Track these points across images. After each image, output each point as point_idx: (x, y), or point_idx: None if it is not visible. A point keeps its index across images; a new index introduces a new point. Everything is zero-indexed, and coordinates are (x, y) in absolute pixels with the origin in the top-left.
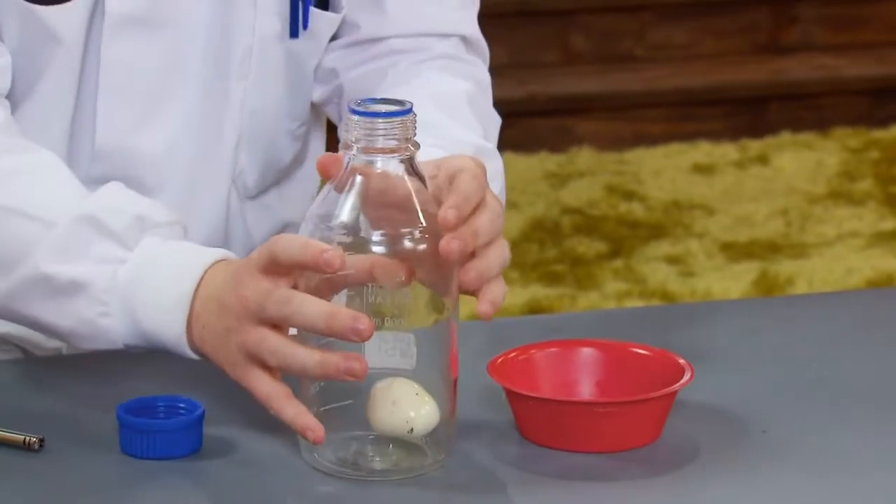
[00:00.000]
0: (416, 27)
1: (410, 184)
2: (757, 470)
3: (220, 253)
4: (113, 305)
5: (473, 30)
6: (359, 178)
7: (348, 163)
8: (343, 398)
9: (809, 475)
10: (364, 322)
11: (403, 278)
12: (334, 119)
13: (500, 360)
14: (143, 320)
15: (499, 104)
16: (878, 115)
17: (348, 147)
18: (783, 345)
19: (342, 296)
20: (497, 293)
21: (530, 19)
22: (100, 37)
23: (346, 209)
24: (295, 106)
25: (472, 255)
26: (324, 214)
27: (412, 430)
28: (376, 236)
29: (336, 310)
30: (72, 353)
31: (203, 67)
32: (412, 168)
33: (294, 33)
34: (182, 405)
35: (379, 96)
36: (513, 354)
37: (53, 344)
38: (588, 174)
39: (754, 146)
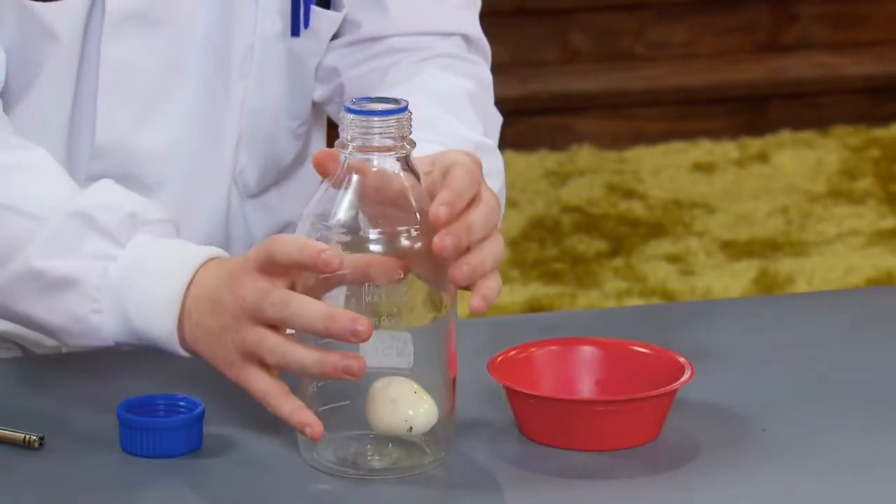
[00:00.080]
0: (418, 26)
1: (407, 181)
2: (756, 468)
3: (211, 251)
4: (104, 302)
5: (475, 29)
6: (355, 177)
7: (345, 161)
8: (342, 398)
9: (809, 473)
10: (363, 323)
11: (399, 275)
12: (335, 118)
13: (500, 358)
14: (135, 318)
15: (499, 102)
16: (879, 114)
17: (344, 146)
18: (783, 343)
19: (340, 295)
20: (491, 288)
21: (530, 18)
22: (98, 34)
23: (344, 208)
24: (296, 105)
25: (468, 249)
26: (321, 213)
27: (411, 428)
28: (374, 234)
29: (334, 312)
30: (72, 352)
31: (203, 65)
32: (408, 166)
33: (295, 32)
34: (182, 403)
35: (379, 95)
36: (513, 353)
37: (52, 342)
38: (588, 173)
39: (754, 144)
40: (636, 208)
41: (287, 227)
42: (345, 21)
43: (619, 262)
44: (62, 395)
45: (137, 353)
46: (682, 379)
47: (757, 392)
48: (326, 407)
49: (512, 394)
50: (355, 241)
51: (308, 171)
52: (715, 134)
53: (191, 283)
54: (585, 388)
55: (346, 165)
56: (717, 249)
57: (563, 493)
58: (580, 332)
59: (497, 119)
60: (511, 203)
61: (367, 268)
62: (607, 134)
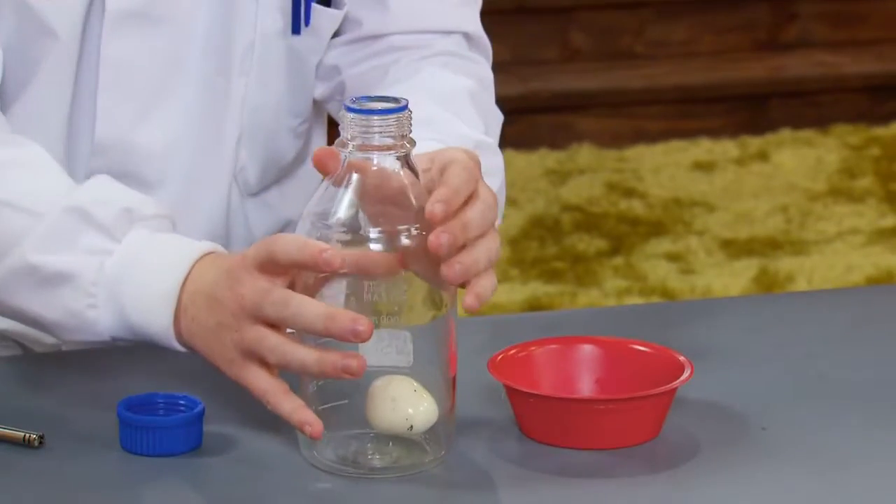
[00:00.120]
0: (418, 24)
1: (407, 180)
2: (756, 466)
3: (208, 246)
4: (100, 297)
5: (476, 27)
6: (355, 176)
7: (345, 160)
8: (342, 396)
9: (809, 472)
10: (363, 323)
11: (397, 270)
12: (336, 116)
13: (500, 356)
14: (131, 312)
15: (499, 101)
16: (879, 112)
17: (344, 145)
18: (783, 342)
19: (340, 294)
20: (485, 287)
21: (530, 16)
22: (97, 32)
23: (344, 206)
24: (297, 103)
25: (464, 247)
26: (321, 212)
27: (411, 427)
28: (374, 233)
29: (335, 312)
30: (71, 350)
31: (204, 63)
32: (408, 164)
33: (296, 30)
34: (182, 402)
35: (380, 93)
36: (513, 351)
37: (52, 340)
38: (588, 171)
39: (754, 143)
40: (636, 207)
41: (287, 225)
42: (346, 19)
43: (619, 260)
44: (62, 393)
45: (137, 352)
46: (682, 377)
47: (757, 391)
48: (326, 406)
49: (512, 392)
50: (355, 240)
51: (309, 170)
52: (715, 132)
53: (187, 278)
54: (585, 386)
55: (346, 164)
56: (717, 248)
57: (562, 491)
58: (580, 330)
59: (498, 117)
60: (511, 202)
61: (365, 261)
62: (607, 132)
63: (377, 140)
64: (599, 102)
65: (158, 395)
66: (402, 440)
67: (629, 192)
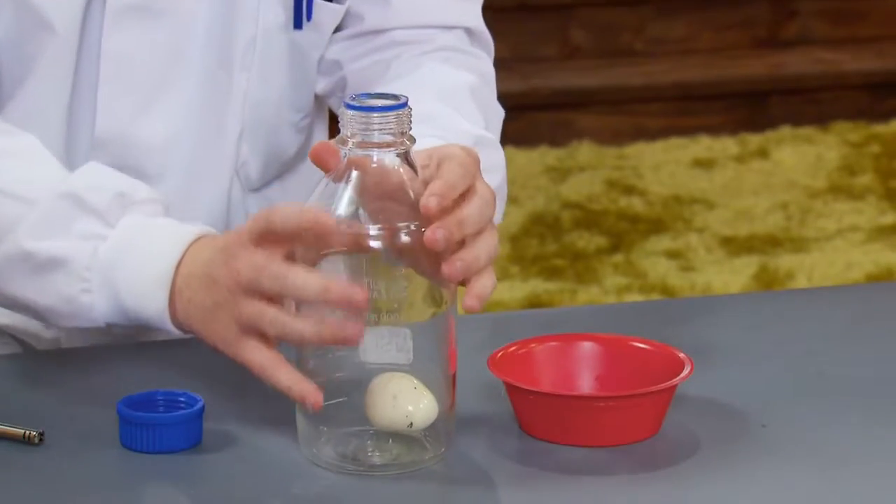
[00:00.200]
0: (420, 19)
1: (406, 177)
2: (756, 464)
3: (201, 229)
4: (94, 282)
5: (477, 22)
6: (355, 173)
7: (345, 157)
8: (342, 394)
9: (809, 469)
10: (359, 293)
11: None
12: (337, 111)
13: (499, 354)
14: (125, 298)
15: (499, 98)
16: (878, 110)
17: (344, 142)
18: (783, 339)
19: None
20: (485, 286)
21: (530, 13)
22: (98, 25)
23: (344, 203)
24: (298, 98)
25: (462, 243)
26: (321, 209)
27: (411, 424)
28: (373, 230)
29: (331, 282)
30: (71, 348)
31: (205, 57)
32: (408, 161)
33: (298, 24)
34: (182, 399)
35: (381, 88)
36: (513, 348)
37: (51, 334)
38: (588, 168)
39: (754, 140)
40: (636, 204)
41: None
42: (347, 14)
43: (618, 257)
44: (62, 390)
45: (137, 349)
46: (682, 375)
47: (757, 388)
48: (326, 403)
49: (512, 390)
50: (356, 239)
51: (310, 165)
52: (715, 130)
53: (181, 261)
54: (585, 383)
55: (346, 161)
56: (717, 245)
57: (562, 488)
58: (580, 327)
59: (499, 113)
60: (511, 199)
61: (362, 238)
62: (607, 130)
63: (377, 137)
64: (599, 100)
65: (158, 392)
66: (402, 437)
67: (629, 190)
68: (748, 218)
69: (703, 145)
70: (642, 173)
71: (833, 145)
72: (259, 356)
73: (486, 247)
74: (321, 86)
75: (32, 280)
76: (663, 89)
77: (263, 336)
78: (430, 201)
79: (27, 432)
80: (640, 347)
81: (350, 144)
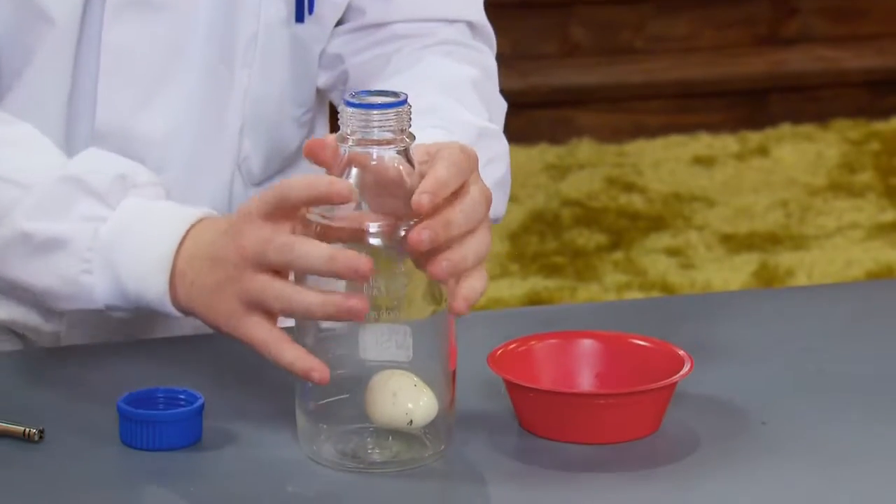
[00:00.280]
0: (422, 12)
1: (406, 174)
2: (756, 461)
3: (202, 211)
4: (95, 263)
5: (480, 16)
6: (355, 170)
7: (344, 154)
8: (342, 391)
9: (809, 466)
10: (364, 263)
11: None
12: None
13: (499, 351)
14: (126, 280)
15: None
16: (879, 107)
17: (344, 139)
18: (783, 336)
19: (340, 285)
20: (473, 288)
21: (531, 11)
22: (98, 18)
23: None
24: (300, 92)
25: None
26: (322, 206)
27: (411, 421)
28: (373, 227)
29: (336, 252)
30: (72, 345)
31: (206, 51)
32: (408, 159)
33: (300, 18)
34: (182, 396)
35: (383, 81)
36: (512, 346)
37: (51, 327)
38: (588, 166)
39: (754, 138)
40: (636, 202)
41: None
42: (349, 7)
43: (618, 255)
44: (62, 388)
45: (137, 347)
46: (682, 372)
47: (757, 385)
48: (326, 400)
49: (512, 387)
50: (355, 234)
51: None
52: (715, 127)
53: (182, 243)
54: (585, 381)
55: (345, 158)
56: (717, 243)
57: (562, 486)
58: (580, 325)
59: (502, 106)
60: (511, 197)
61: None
62: (607, 127)
63: (377, 134)
64: (599, 97)
65: (158, 389)
66: (402, 435)
67: (629, 187)
68: (748, 215)
69: (704, 143)
70: (642, 171)
71: (833, 143)
72: (262, 332)
73: (475, 247)
74: (322, 80)
75: (32, 261)
76: (663, 87)
77: (267, 313)
78: (421, 198)
79: (27, 430)
80: (640, 345)
81: (350, 142)
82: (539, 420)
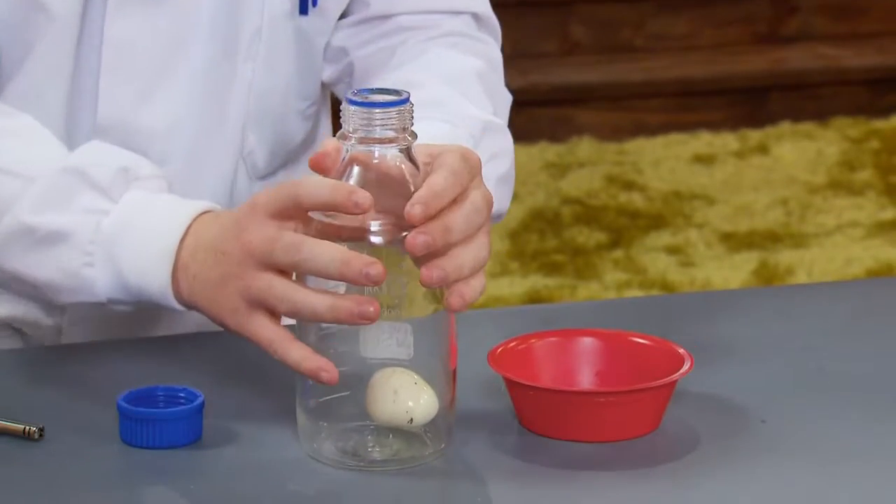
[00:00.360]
0: (426, 4)
1: (408, 173)
2: (756, 459)
3: (204, 205)
4: (97, 256)
5: (485, 7)
6: (357, 169)
7: (346, 153)
8: (342, 389)
9: (808, 464)
10: (376, 268)
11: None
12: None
13: (499, 349)
14: (128, 273)
15: None
16: (879, 105)
17: (346, 137)
18: (783, 334)
19: (340, 286)
20: (473, 286)
21: (530, 9)
22: (100, 12)
23: None
24: (305, 85)
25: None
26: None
27: (412, 419)
28: (374, 226)
29: (348, 255)
30: (72, 343)
31: (208, 45)
32: (410, 157)
33: (303, 10)
34: (182, 395)
35: (388, 74)
36: (513, 344)
37: (51, 321)
38: (588, 164)
39: (754, 136)
40: (636, 200)
41: None
42: None
43: (618, 253)
44: (62, 386)
45: (137, 345)
46: (682, 370)
47: (757, 383)
48: (327, 398)
49: (512, 385)
50: (356, 232)
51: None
52: (715, 126)
53: (185, 236)
54: (585, 379)
55: (347, 157)
56: (717, 241)
57: (562, 484)
58: (580, 323)
59: (507, 98)
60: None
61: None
62: (607, 126)
63: (378, 133)
64: (599, 95)
65: (158, 387)
66: (403, 433)
67: (629, 185)
68: (748, 213)
69: (703, 141)
70: (642, 169)
71: (833, 141)
72: (268, 331)
73: (473, 257)
74: (328, 73)
75: (34, 254)
76: (663, 85)
77: (271, 312)
78: (414, 209)
79: (27, 428)
80: (639, 343)
81: (352, 140)
82: (539, 418)
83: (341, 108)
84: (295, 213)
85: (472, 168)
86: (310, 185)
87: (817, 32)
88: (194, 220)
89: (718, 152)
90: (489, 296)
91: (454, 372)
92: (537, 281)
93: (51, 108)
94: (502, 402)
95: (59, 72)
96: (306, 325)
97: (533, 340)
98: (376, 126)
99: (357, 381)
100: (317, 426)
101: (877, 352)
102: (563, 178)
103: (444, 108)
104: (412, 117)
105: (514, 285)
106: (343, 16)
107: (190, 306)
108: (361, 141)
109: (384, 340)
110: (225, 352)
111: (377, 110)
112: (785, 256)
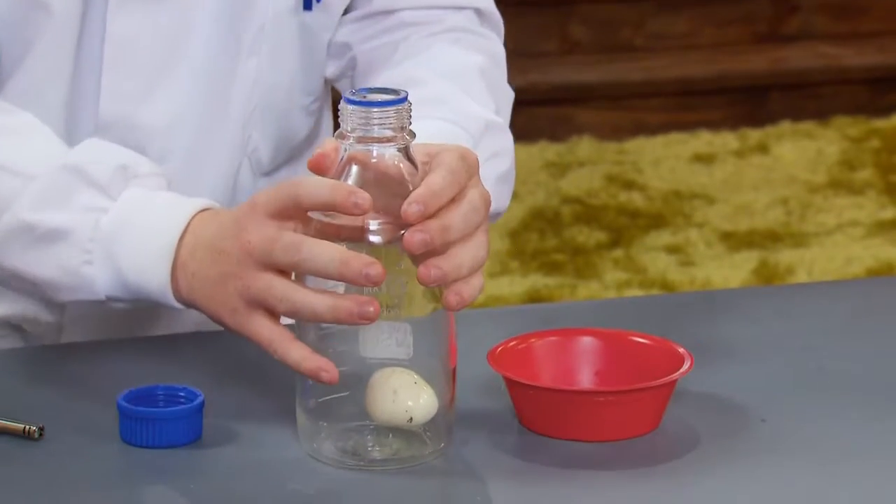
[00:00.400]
0: None
1: (406, 172)
2: (756, 459)
3: (203, 202)
4: (96, 254)
5: (487, 2)
6: (355, 168)
7: (345, 152)
8: (342, 388)
9: (808, 464)
10: (376, 268)
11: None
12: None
13: (499, 348)
14: (127, 271)
15: None
16: (879, 104)
17: (344, 136)
18: (783, 334)
19: (339, 286)
20: (472, 284)
21: (530, 8)
22: (98, 9)
23: None
24: (308, 81)
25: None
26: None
27: (411, 419)
28: (373, 225)
29: (348, 255)
30: (71, 342)
31: (210, 41)
32: (408, 156)
33: (307, 6)
34: (182, 394)
35: (390, 69)
36: (512, 343)
37: (50, 317)
38: (588, 163)
39: (754, 135)
40: (636, 199)
41: None
42: None
43: (618, 252)
44: (62, 385)
45: (137, 344)
46: (682, 369)
47: (756, 383)
48: (326, 398)
49: (512, 384)
50: (355, 231)
51: None
52: (715, 125)
53: (184, 234)
54: (585, 378)
55: (345, 156)
56: (717, 240)
57: (562, 483)
58: (580, 322)
59: (509, 95)
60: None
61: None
62: (607, 125)
63: (377, 132)
64: (599, 95)
65: (158, 387)
66: (402, 432)
67: (629, 185)
68: (748, 213)
69: (704, 140)
70: (642, 168)
71: (833, 140)
72: (268, 331)
73: (472, 254)
74: (330, 69)
75: (33, 252)
76: (663, 84)
77: (271, 311)
78: (410, 208)
79: (27, 427)
80: (639, 342)
81: (350, 139)
82: (539, 417)
83: (339, 107)
84: (294, 212)
85: (470, 167)
86: (309, 185)
87: (818, 31)
88: (193, 217)
89: (718, 151)
90: (489, 295)
91: (454, 371)
92: (537, 280)
93: (51, 105)
94: (502, 401)
95: (59, 69)
96: (306, 325)
97: (533, 340)
98: (374, 125)
99: (357, 380)
100: (317, 426)
101: (877, 351)
102: (563, 177)
103: (445, 106)
104: (410, 116)
105: (514, 285)
106: (346, 11)
107: (189, 304)
108: (359, 140)
109: (384, 340)
110: (225, 351)
111: (375, 109)
112: (785, 256)
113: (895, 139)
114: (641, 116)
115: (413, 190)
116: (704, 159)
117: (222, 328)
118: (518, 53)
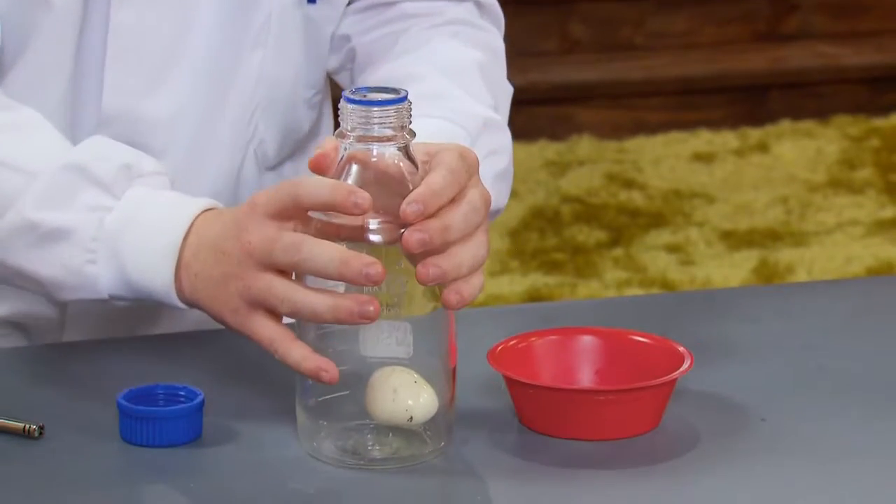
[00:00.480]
0: None
1: (406, 171)
2: (756, 458)
3: (207, 202)
4: (100, 253)
5: None
6: (355, 167)
7: (345, 151)
8: (342, 388)
9: (808, 463)
10: (376, 268)
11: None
12: (347, 87)
13: (499, 347)
14: (131, 270)
15: None
16: (878, 103)
17: (344, 136)
18: (783, 333)
19: (339, 285)
20: (472, 283)
21: (530, 7)
22: (101, 2)
23: None
24: (312, 74)
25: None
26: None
27: (411, 418)
28: (373, 224)
29: (348, 255)
30: (72, 341)
31: (214, 33)
32: (408, 155)
33: None
34: (182, 393)
35: (390, 62)
36: (512, 342)
37: (51, 314)
38: (588, 162)
39: (754, 134)
40: (636, 198)
41: None
42: None
43: (618, 251)
44: (62, 384)
45: (137, 344)
46: (682, 368)
47: (756, 382)
48: (326, 397)
49: (512, 383)
50: (355, 231)
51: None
52: (715, 124)
53: (188, 233)
54: (585, 377)
55: (345, 155)
56: (717, 239)
57: (562, 482)
58: (580, 321)
59: (507, 91)
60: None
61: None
62: (607, 124)
63: (377, 131)
64: (599, 94)
65: (158, 386)
66: (402, 431)
67: (629, 184)
68: (748, 212)
69: (703, 139)
70: (642, 167)
71: (833, 139)
72: (268, 330)
73: (471, 253)
74: (331, 63)
75: (37, 251)
76: (663, 83)
77: (271, 311)
78: (410, 207)
79: (27, 426)
80: (640, 341)
81: (350, 138)
82: (539, 416)
83: (339, 106)
84: (294, 212)
85: (469, 167)
86: (309, 184)
87: (817, 31)
88: (197, 217)
89: (718, 150)
90: (489, 294)
91: (454, 370)
92: (537, 279)
93: (52, 99)
94: (502, 400)
95: (60, 63)
96: (306, 325)
97: (533, 339)
98: (374, 124)
99: (357, 379)
100: (316, 425)
101: (877, 350)
102: (563, 176)
103: (443, 103)
104: (410, 115)
105: (514, 283)
106: (349, 3)
107: (191, 304)
108: (359, 139)
109: (384, 339)
110: (225, 350)
111: (375, 108)
112: (785, 255)
113: (895, 138)
114: (641, 115)
115: (413, 189)
116: (704, 158)
117: (222, 327)
118: (518, 52)
